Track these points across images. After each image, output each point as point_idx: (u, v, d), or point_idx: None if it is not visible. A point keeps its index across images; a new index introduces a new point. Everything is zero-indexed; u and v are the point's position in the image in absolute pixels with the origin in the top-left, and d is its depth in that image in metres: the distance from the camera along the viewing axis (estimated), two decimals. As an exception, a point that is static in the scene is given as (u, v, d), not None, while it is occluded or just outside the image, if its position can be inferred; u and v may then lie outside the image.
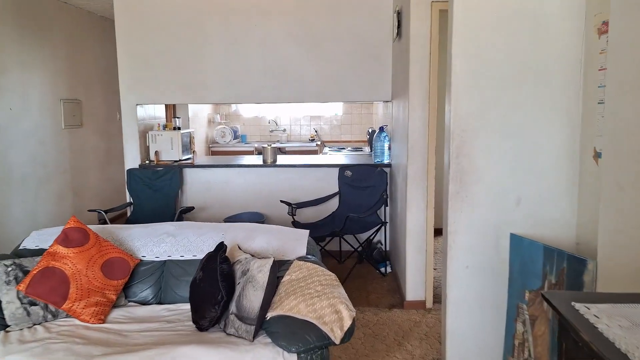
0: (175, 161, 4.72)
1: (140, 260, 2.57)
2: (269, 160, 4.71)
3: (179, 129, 4.91)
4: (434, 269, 3.70)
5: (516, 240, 2.39)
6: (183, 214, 4.28)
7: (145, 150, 4.74)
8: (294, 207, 4.23)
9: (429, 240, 3.43)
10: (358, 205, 4.37)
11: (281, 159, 4.86)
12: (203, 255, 2.53)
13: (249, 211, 4.70)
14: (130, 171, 4.51)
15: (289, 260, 2.46)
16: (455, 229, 2.42)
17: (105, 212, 4.13)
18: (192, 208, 4.31)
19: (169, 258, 2.58)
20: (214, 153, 7.23)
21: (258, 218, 4.58)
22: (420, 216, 3.44)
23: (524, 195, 2.38)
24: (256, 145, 7.26)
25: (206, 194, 4.73)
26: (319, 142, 7.52)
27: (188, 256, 2.57)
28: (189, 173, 4.72)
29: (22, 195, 4.55)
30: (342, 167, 4.52)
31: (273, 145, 4.79)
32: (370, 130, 6.10)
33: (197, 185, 4.73)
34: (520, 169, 2.36)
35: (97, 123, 5.83)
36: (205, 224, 2.80)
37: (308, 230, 2.76)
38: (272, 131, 7.74)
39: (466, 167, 2.39)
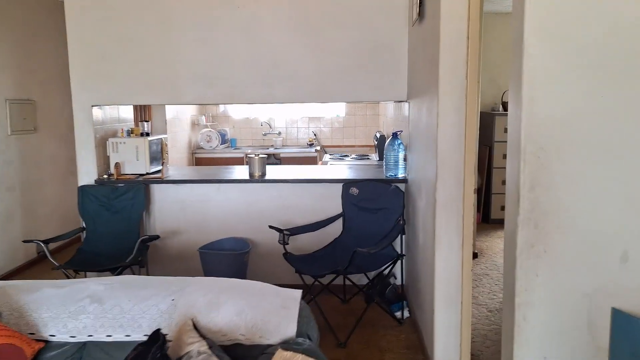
0: (141, 175, 3.88)
1: (46, 342, 1.73)
2: (257, 174, 3.87)
3: (148, 134, 4.07)
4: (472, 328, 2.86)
5: (622, 319, 1.56)
6: (145, 244, 3.44)
7: (105, 161, 3.91)
8: (286, 235, 3.39)
9: (465, 288, 2.59)
10: (367, 233, 3.52)
11: (273, 172, 4.03)
12: (140, 335, 1.69)
13: (232, 237, 3.86)
14: (83, 189, 3.66)
15: (269, 347, 1.62)
16: (526, 300, 1.59)
17: (48, 242, 3.29)
18: (155, 237, 3.47)
19: (90, 339, 1.74)
20: (198, 161, 6.40)
21: (242, 247, 3.74)
22: (453, 257, 2.60)
23: (634, 250, 1.54)
24: (249, 151, 6.43)
25: (179, 216, 3.89)
26: (318, 147, 6.68)
27: (118, 336, 1.73)
28: (157, 190, 3.88)
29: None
30: (347, 183, 3.68)
31: (262, 155, 3.94)
32: (378, 135, 5.25)
33: (167, 205, 3.89)
34: (630, 209, 1.53)
35: (56, 127, 4.98)
36: (151, 280, 1.96)
37: (300, 292, 1.92)
38: (265, 135, 6.90)
39: (545, 205, 1.55)
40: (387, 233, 3.37)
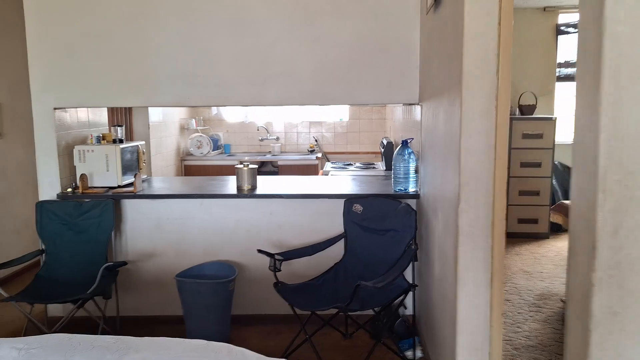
0: (112, 188, 3.42)
1: None
2: (246, 187, 3.40)
3: (122, 141, 3.62)
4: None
5: None
6: (111, 271, 2.96)
7: (71, 172, 3.45)
8: (277, 260, 2.91)
9: (495, 337, 2.11)
10: (373, 257, 3.05)
11: (265, 184, 3.56)
12: None
13: (216, 261, 3.39)
14: (42, 205, 3.20)
15: None
16: (604, 394, 1.10)
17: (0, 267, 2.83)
18: (122, 264, 3.00)
19: None
20: (187, 169, 5.95)
21: (227, 272, 3.27)
22: (480, 297, 2.11)
23: None
24: (246, 158, 5.98)
25: (155, 236, 3.42)
26: (319, 154, 6.22)
27: None
28: (130, 206, 3.42)
29: None
30: (350, 199, 3.20)
31: (251, 165, 3.48)
32: (385, 142, 4.78)
33: (141, 224, 3.42)
34: None
35: (25, 133, 4.52)
36: (80, 342, 1.48)
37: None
38: (262, 140, 6.45)
39: (635, 256, 1.07)
40: (396, 259, 2.89)
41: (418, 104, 3.23)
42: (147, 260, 3.44)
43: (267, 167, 6.31)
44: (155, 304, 3.43)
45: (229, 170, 5.92)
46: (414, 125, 3.50)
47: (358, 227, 3.16)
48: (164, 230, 3.42)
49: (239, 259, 3.41)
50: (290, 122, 6.52)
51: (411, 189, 3.24)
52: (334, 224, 3.30)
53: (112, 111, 4.65)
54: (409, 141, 3.25)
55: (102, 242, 3.21)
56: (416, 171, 3.23)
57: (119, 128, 3.67)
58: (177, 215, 3.41)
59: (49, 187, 3.33)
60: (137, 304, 3.44)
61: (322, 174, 4.87)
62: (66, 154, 3.42)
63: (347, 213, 3.20)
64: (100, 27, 3.21)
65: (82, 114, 3.64)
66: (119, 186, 3.46)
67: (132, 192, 3.33)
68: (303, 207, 3.37)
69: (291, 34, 3.20)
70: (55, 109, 3.29)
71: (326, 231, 3.33)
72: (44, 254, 3.19)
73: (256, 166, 3.51)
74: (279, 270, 2.92)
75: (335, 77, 3.23)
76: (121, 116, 4.96)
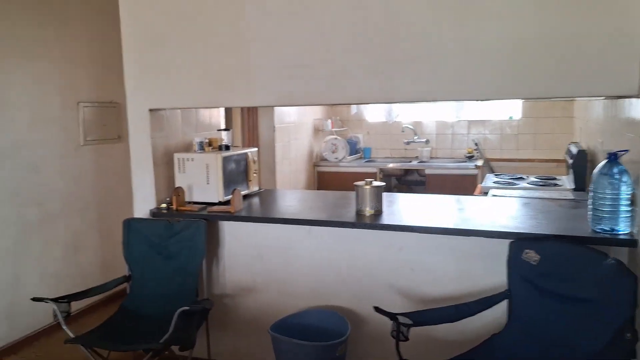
0: (211, 204, 2.91)
1: None
2: (367, 212, 2.61)
3: (228, 148, 3.10)
4: None
5: None
6: (189, 315, 2.40)
7: (170, 185, 3.03)
8: (403, 326, 2.07)
9: None
10: (554, 339, 2.01)
11: (396, 207, 2.73)
12: None
13: (325, 307, 2.66)
14: (128, 223, 2.81)
15: None
16: None
17: (70, 299, 2.47)
18: (202, 309, 2.42)
19: None
20: (321, 176, 5.37)
21: (336, 326, 2.51)
22: None
23: None
24: (390, 165, 5.21)
25: (256, 267, 2.82)
26: (480, 162, 5.13)
27: None
28: (228, 228, 2.87)
29: None
30: (519, 241, 2.20)
31: (376, 183, 2.67)
32: (574, 150, 3.56)
33: (240, 251, 2.85)
34: None
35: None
36: None
37: None
38: (408, 143, 5.58)
39: None
40: (596, 350, 1.82)
41: (638, 97, 2.09)
42: (246, 296, 2.86)
43: (412, 176, 5.42)
44: (255, 351, 2.83)
45: (368, 178, 5.18)
46: (624, 129, 2.35)
47: (531, 287, 2.14)
48: (266, 260, 2.80)
49: (354, 307, 2.63)
50: (444, 121, 5.53)
51: (622, 231, 2.11)
52: (493, 275, 2.33)
53: (229, 111, 4.24)
54: (619, 154, 2.12)
55: (192, 271, 2.71)
56: (632, 202, 2.09)
57: (225, 133, 3.17)
58: (282, 244, 2.76)
59: (143, 202, 2.95)
60: (233, 348, 2.88)
61: (480, 192, 3.82)
62: (164, 163, 3.01)
63: (515, 262, 2.20)
64: (197, 18, 2.70)
65: (189, 115, 3.22)
66: (220, 203, 2.94)
67: (230, 212, 2.77)
68: (447, 245, 2.46)
69: (433, 3, 2.30)
70: (150, 110, 2.88)
71: (480, 284, 2.38)
72: (130, 280, 2.80)
73: (382, 184, 2.69)
74: (406, 339, 2.07)
75: (497, 61, 2.24)
76: (248, 116, 4.55)
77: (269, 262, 2.79)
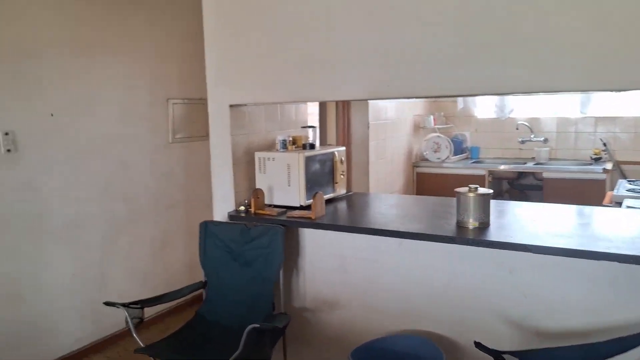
0: (292, 208, 2.69)
1: None
2: (471, 224, 2.22)
3: (312, 146, 2.87)
4: None
5: None
6: (262, 333, 2.18)
7: (251, 185, 2.87)
8: (510, 370, 1.67)
9: None
10: None
11: (505, 218, 2.30)
12: None
13: (415, 332, 2.31)
14: (205, 226, 2.67)
15: None
16: None
17: (143, 304, 2.37)
18: (276, 328, 2.18)
19: None
20: (420, 178, 4.98)
21: (428, 356, 2.15)
22: None
23: None
24: (501, 167, 4.71)
25: (338, 280, 2.55)
26: (608, 165, 4.43)
27: None
28: (308, 236, 2.62)
29: (71, 248, 3.26)
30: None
31: (483, 191, 2.27)
32: None
33: (322, 261, 2.59)
34: None
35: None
36: None
37: None
38: (523, 142, 4.98)
39: None
40: None
41: None
42: (327, 311, 2.60)
43: (526, 180, 4.83)
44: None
45: (475, 182, 4.69)
46: None
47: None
48: (349, 273, 2.51)
49: (451, 335, 2.26)
50: (566, 117, 4.85)
51: None
52: (630, 309, 1.84)
53: (324, 107, 4.01)
54: None
55: (269, 280, 2.50)
56: None
57: (310, 130, 2.93)
58: (368, 255, 2.45)
59: (222, 203, 2.80)
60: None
61: (611, 201, 3.21)
62: (245, 162, 2.84)
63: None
64: (279, 7, 2.47)
65: (273, 111, 3.03)
66: (301, 207, 2.71)
67: (310, 219, 2.52)
68: (569, 269, 2.00)
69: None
70: (230, 106, 2.72)
71: (612, 319, 1.90)
72: (205, 287, 2.66)
73: (489, 192, 2.28)
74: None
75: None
76: (342, 112, 4.29)
77: (354, 275, 2.50)
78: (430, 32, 2.11)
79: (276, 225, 2.50)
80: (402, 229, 2.28)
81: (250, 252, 2.57)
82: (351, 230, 2.40)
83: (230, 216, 2.73)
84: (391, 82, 2.23)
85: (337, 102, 4.23)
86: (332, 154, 2.92)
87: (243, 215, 2.71)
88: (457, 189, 2.30)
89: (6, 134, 2.73)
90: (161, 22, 3.59)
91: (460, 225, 2.24)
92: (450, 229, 2.23)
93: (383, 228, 2.29)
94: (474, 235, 2.13)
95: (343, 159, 2.99)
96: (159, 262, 3.69)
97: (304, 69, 2.44)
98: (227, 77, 2.69)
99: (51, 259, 3.02)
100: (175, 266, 3.81)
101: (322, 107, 4.31)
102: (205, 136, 3.91)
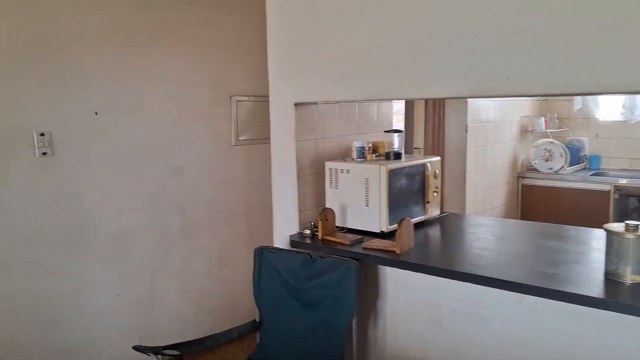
0: (373, 235, 2.14)
1: None
2: (628, 277, 1.55)
3: (399, 156, 2.30)
4: None
5: None
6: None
7: (320, 203, 2.35)
8: None
9: None
10: None
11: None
12: None
13: None
14: (260, 253, 2.18)
15: None
16: None
17: (183, 350, 1.93)
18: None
19: None
20: (526, 192, 4.25)
21: None
22: None
23: None
24: (623, 180, 3.88)
25: (429, 336, 1.96)
26: None
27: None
28: (391, 275, 2.05)
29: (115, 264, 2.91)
30: None
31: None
32: None
33: (408, 309, 2.02)
34: None
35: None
36: None
37: None
38: (659, 151, 4.06)
39: None
40: None
41: None
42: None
43: (667, 200, 3.92)
44: None
45: (596, 199, 3.88)
46: None
47: None
48: (444, 328, 1.92)
49: None
50: None
51: None
52: None
53: (410, 107, 3.41)
54: None
55: (338, 329, 1.98)
56: None
57: (395, 135, 2.36)
58: (471, 309, 1.85)
59: (283, 223, 2.31)
60: None
61: None
62: (313, 173, 2.33)
63: None
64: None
65: (349, 111, 2.49)
66: (382, 234, 2.15)
67: (394, 253, 1.95)
68: None
69: None
70: (296, 104, 2.21)
71: None
72: (260, 327, 2.18)
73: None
74: None
75: None
76: (434, 113, 3.67)
77: (450, 332, 1.91)
78: (548, 8, 1.47)
79: (349, 259, 1.96)
80: (523, 279, 1.65)
81: (314, 291, 2.05)
82: (450, 276, 1.81)
83: (293, 241, 2.23)
84: (514, 74, 1.61)
85: (426, 100, 3.63)
86: (424, 165, 2.34)
87: (308, 241, 2.19)
88: (607, 226, 1.63)
89: (41, 134, 2.41)
90: (225, 6, 3.17)
91: (612, 279, 1.58)
92: (594, 282, 1.58)
93: (496, 277, 1.67)
94: (634, 297, 1.46)
95: (437, 171, 2.39)
96: (216, 282, 3.29)
97: (388, 59, 1.88)
98: (293, 69, 2.19)
99: (92, 277, 2.68)
100: (235, 286, 3.39)
101: (409, 106, 3.72)
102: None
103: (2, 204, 2.32)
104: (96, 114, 2.62)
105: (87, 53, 2.55)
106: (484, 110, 3.77)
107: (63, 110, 2.48)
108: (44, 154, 2.43)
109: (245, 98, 3.31)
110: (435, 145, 3.62)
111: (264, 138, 3.42)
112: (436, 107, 3.64)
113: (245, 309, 3.47)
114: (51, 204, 2.49)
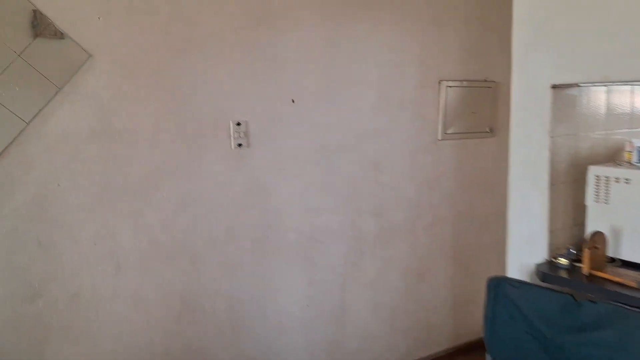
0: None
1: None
2: None
3: None
4: None
5: None
6: None
7: (578, 221, 1.77)
8: None
9: None
10: None
11: None
12: None
13: None
14: (496, 286, 1.67)
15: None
16: None
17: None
18: None
19: None
20: None
21: None
22: None
23: None
24: None
25: None
26: None
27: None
28: None
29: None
30: None
31: None
32: None
33: None
34: None
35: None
36: None
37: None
38: None
39: None
40: None
41: None
42: None
43: None
44: None
45: None
46: None
47: None
48: None
49: None
50: None
51: None
52: None
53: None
54: None
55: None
56: None
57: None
58: None
59: (524, 246, 1.77)
60: None
61: None
62: (568, 181, 1.75)
63: None
64: None
65: (618, 99, 1.85)
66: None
67: None
68: None
69: None
70: (553, 87, 1.65)
71: None
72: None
73: None
74: None
75: None
76: None
77: None
78: None
79: (636, 309, 1.36)
80: None
81: (579, 350, 1.48)
82: None
83: (541, 272, 1.68)
84: None
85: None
86: None
87: (564, 275, 1.63)
88: None
89: (238, 124, 2.19)
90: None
91: None
92: None
93: None
94: None
95: None
96: (412, 298, 2.86)
97: None
98: (550, 40, 1.62)
99: (280, 282, 2.44)
100: (434, 305, 2.94)
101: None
102: (488, 132, 2.93)
103: (196, 197, 2.16)
104: (293, 101, 2.34)
105: (283, 30, 2.27)
106: None
107: (259, 97, 2.24)
108: (239, 145, 2.21)
109: (457, 83, 2.80)
110: None
111: (478, 132, 2.90)
112: None
113: (444, 334, 3.02)
114: (244, 200, 2.28)
